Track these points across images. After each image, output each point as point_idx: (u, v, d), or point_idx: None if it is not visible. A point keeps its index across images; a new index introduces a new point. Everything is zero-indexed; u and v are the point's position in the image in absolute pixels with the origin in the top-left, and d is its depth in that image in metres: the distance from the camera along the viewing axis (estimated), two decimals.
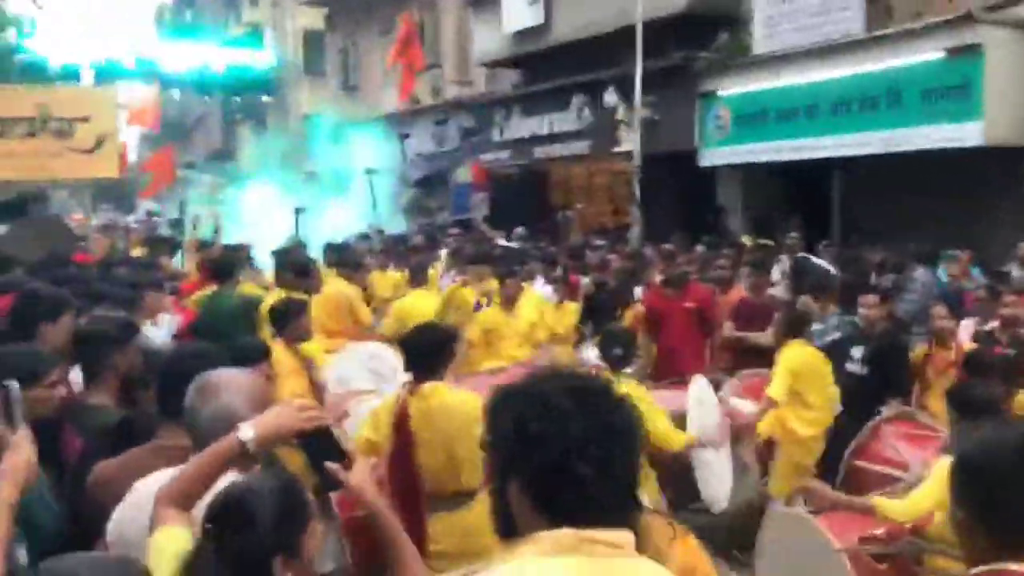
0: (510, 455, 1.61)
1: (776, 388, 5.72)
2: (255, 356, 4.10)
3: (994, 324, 6.32)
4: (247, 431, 2.19)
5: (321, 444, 2.25)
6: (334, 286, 8.24)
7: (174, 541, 2.03)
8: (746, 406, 5.93)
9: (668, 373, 7.54)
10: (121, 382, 3.56)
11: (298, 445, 2.30)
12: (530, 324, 7.53)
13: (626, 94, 14.91)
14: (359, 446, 4.15)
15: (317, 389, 5.51)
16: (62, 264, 7.78)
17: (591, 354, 8.09)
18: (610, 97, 15.54)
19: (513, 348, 7.32)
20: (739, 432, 5.78)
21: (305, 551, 1.98)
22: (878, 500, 3.87)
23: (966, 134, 10.41)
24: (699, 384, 5.54)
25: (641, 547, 1.61)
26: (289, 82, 30.63)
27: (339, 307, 7.78)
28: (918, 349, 6.30)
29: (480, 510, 4.12)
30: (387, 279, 10.72)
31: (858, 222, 12.69)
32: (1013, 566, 1.58)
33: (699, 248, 10.98)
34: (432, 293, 9.05)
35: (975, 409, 3.89)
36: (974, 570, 1.66)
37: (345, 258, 9.26)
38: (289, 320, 5.46)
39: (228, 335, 5.17)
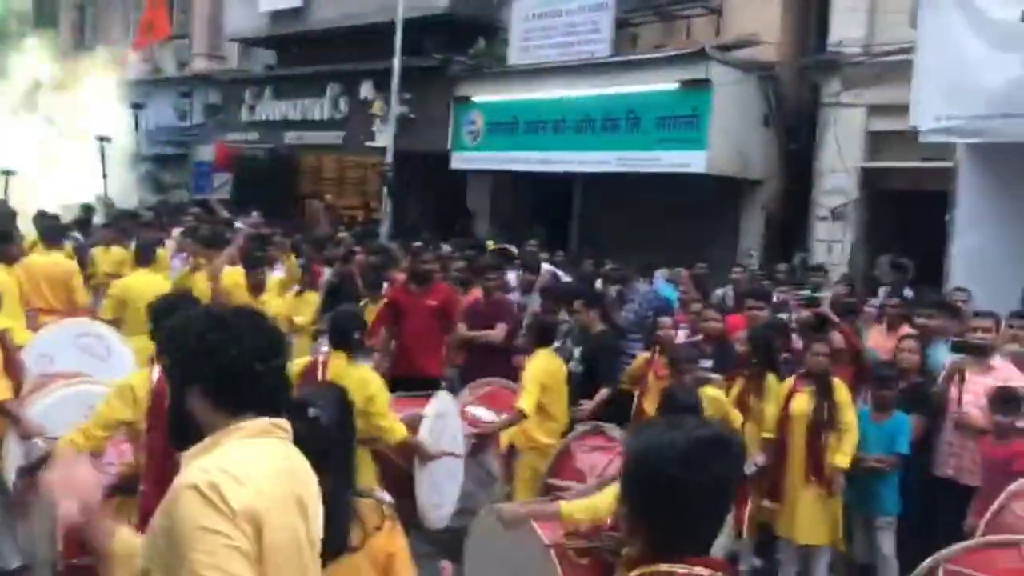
0: (192, 365, 2.02)
1: (527, 401, 5.73)
2: None
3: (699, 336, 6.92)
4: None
5: None
6: (54, 257, 7.56)
7: None
8: (486, 415, 6.01)
9: (407, 368, 7.54)
10: None
11: None
12: (276, 313, 7.26)
13: (383, 89, 14.85)
14: (100, 418, 3.89)
15: (12, 363, 4.97)
16: None
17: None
18: (366, 90, 15.40)
19: None
20: (483, 441, 5.90)
21: None
22: (563, 504, 4.02)
23: (692, 161, 11.32)
24: (443, 399, 5.52)
25: (352, 528, 2.44)
26: (14, 33, 27.67)
27: (56, 281, 7.13)
28: (640, 356, 6.71)
29: None
30: (111, 255, 9.94)
31: (594, 233, 13.42)
32: (666, 567, 1.61)
33: (445, 247, 11.11)
34: (160, 274, 8.49)
35: (677, 410, 4.18)
36: (632, 573, 1.66)
37: (50, 228, 8.44)
38: None
39: None
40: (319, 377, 4.68)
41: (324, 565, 2.14)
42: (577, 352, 6.85)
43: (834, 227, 11.36)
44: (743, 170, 11.81)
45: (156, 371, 3.86)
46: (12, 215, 10.19)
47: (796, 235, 11.85)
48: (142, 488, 3.80)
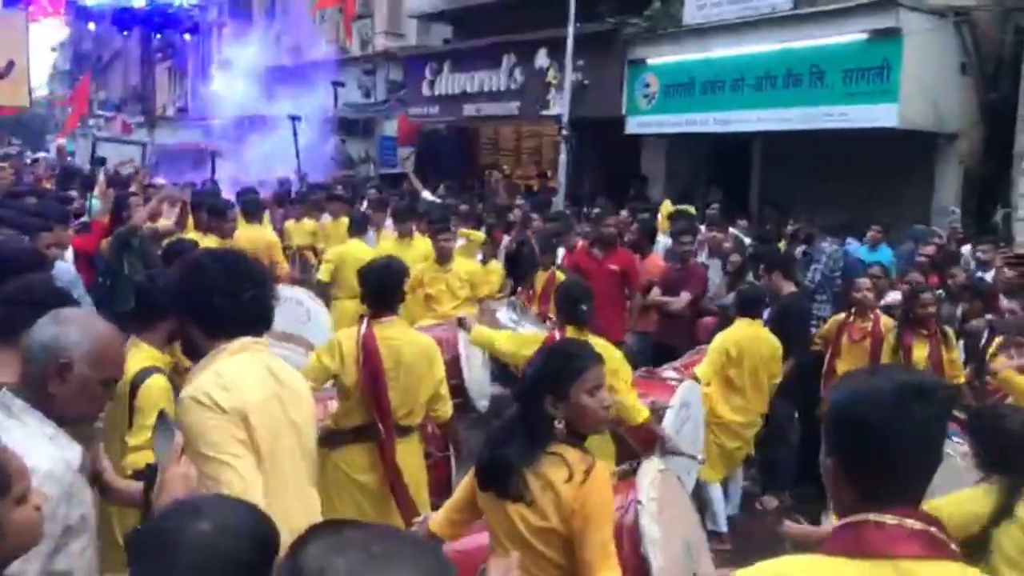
0: (181, 303, 2.57)
1: (704, 367, 5.58)
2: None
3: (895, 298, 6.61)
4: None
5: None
6: (256, 230, 8.19)
7: None
8: (673, 375, 5.74)
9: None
10: None
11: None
12: (468, 280, 7.50)
13: (557, 57, 14.92)
14: (310, 371, 4.13)
15: None
16: None
17: (504, 313, 8.17)
18: (541, 59, 15.52)
19: (448, 304, 7.30)
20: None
21: (7, 522, 1.71)
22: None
23: (882, 115, 10.75)
24: (688, 388, 5.20)
25: (560, 473, 2.52)
26: (213, 23, 29.69)
27: (259, 252, 7.68)
28: (834, 317, 6.53)
29: (413, 448, 4.33)
30: (303, 227, 10.60)
31: (774, 194, 13.02)
32: (874, 517, 1.59)
33: (623, 214, 11.10)
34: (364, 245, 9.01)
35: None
36: (838, 522, 1.65)
37: (251, 203, 9.11)
38: None
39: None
40: None
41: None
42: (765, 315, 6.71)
43: None
44: (938, 123, 11.11)
45: (364, 327, 4.22)
46: (218, 192, 11.06)
47: (996, 191, 11.05)
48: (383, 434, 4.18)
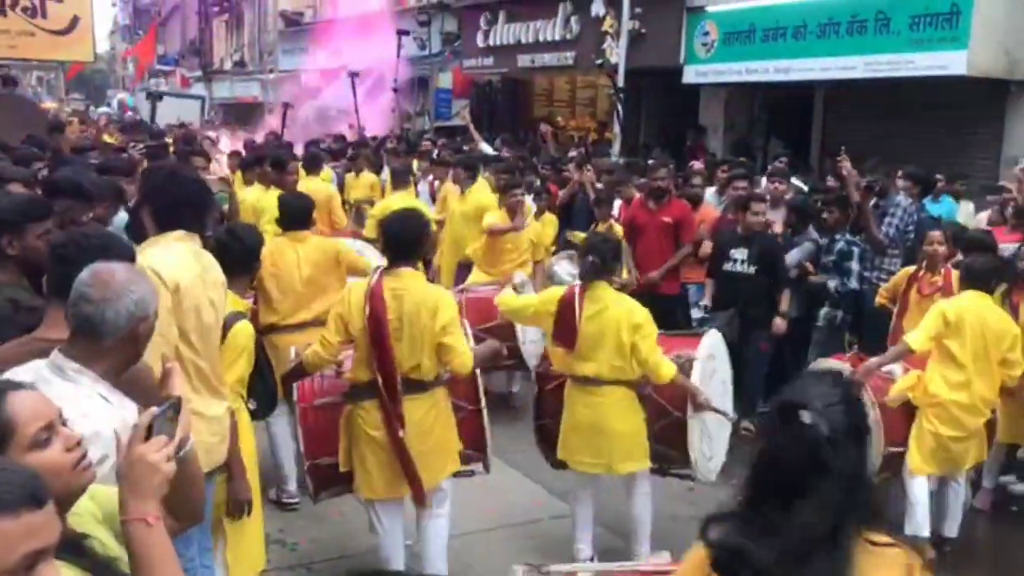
0: (145, 202, 3.40)
1: (918, 336, 4.92)
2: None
3: None
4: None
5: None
6: (316, 183, 8.31)
7: None
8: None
9: (641, 285, 7.66)
10: (24, 265, 3.30)
11: None
12: (535, 239, 7.46)
13: (614, 5, 14.69)
14: (330, 323, 4.23)
15: None
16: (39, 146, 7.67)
17: (563, 267, 8.18)
18: (597, 7, 15.29)
19: (511, 262, 7.28)
20: None
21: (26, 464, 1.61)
22: None
23: (951, 62, 10.41)
24: (713, 337, 5.05)
25: None
26: None
27: (320, 204, 7.80)
28: (902, 270, 6.41)
29: (430, 404, 4.18)
30: (361, 180, 10.69)
31: (837, 145, 12.71)
32: None
33: (696, 165, 10.92)
34: (411, 196, 9.07)
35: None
36: None
37: (311, 157, 9.26)
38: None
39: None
40: (577, 305, 4.50)
41: None
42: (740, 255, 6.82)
43: None
44: (1011, 70, 10.71)
45: (375, 277, 4.16)
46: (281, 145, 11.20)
47: None
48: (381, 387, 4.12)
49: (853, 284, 6.97)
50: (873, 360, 5.05)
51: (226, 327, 3.52)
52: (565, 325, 4.53)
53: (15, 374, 2.08)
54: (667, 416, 4.66)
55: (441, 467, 4.28)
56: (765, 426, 1.86)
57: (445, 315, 4.07)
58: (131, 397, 2.24)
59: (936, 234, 6.07)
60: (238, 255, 4.06)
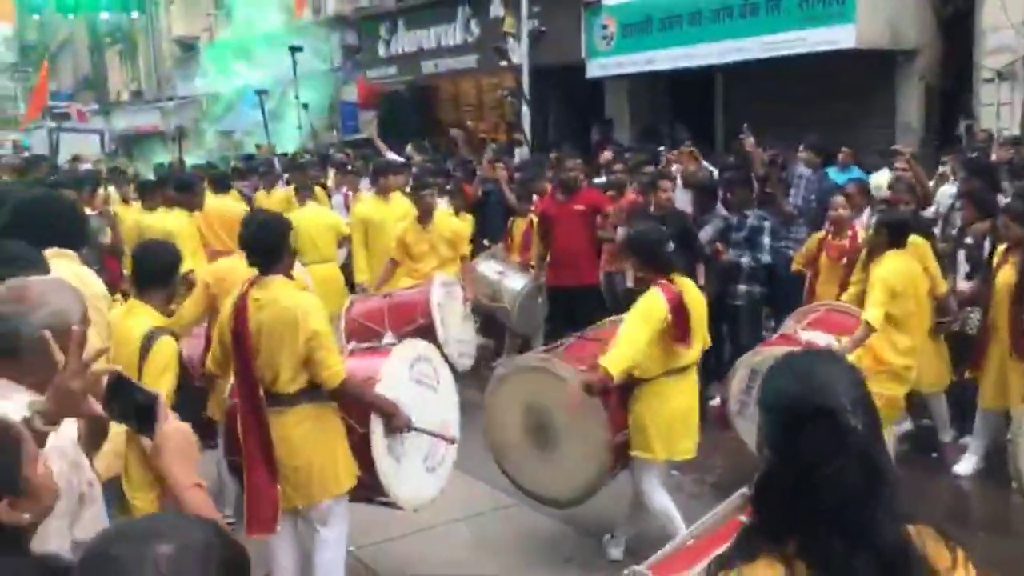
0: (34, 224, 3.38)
1: (873, 311, 5.05)
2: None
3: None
4: (28, 408, 1.89)
5: (121, 395, 1.96)
6: (225, 202, 8.21)
7: None
8: (824, 339, 5.19)
9: (562, 277, 7.71)
10: None
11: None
12: (451, 239, 7.40)
13: (512, 5, 14.78)
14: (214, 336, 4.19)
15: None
16: None
17: (488, 266, 8.20)
18: (496, 8, 15.37)
19: (431, 263, 7.23)
20: None
21: (31, 480, 1.69)
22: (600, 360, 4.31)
23: (840, 37, 10.74)
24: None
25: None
26: (159, 1, 29.16)
27: (229, 223, 7.67)
28: (813, 236, 6.60)
29: (296, 421, 3.93)
30: (274, 197, 10.54)
31: (740, 127, 13.00)
32: None
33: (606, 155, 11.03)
34: (324, 208, 9.02)
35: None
36: None
37: (218, 176, 9.18)
38: None
39: None
40: (685, 298, 4.41)
41: None
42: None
43: (1001, 89, 10.58)
44: (896, 41, 11.12)
45: (244, 288, 4.02)
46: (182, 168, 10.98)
47: (958, 103, 11.12)
48: None
49: (766, 258, 7.12)
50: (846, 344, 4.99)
51: (148, 343, 3.44)
52: (683, 324, 4.40)
53: None
54: None
55: (320, 487, 3.99)
56: (785, 433, 1.65)
57: (309, 327, 3.84)
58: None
59: (838, 199, 6.30)
60: (152, 269, 3.96)
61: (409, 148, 13.98)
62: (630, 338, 4.28)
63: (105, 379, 1.95)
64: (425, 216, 7.28)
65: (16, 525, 1.63)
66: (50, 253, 3.13)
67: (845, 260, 6.09)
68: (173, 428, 1.89)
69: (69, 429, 2.12)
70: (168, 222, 7.30)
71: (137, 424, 1.97)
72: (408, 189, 8.37)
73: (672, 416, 4.53)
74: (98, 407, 1.96)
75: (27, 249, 2.86)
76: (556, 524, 5.10)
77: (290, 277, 4.13)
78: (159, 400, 1.93)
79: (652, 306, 4.33)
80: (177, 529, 1.28)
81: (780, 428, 1.66)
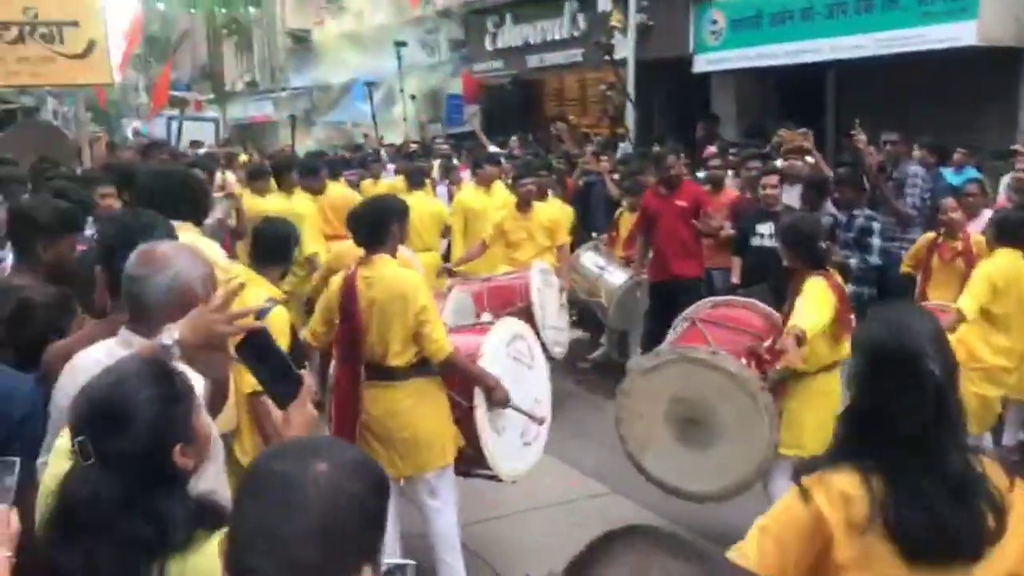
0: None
1: (969, 301, 4.93)
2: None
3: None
4: (168, 336, 2.03)
5: (259, 350, 2.01)
6: (337, 189, 8.52)
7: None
8: None
9: (661, 272, 7.70)
10: (52, 272, 3.39)
11: (236, 353, 2.05)
12: (549, 227, 7.50)
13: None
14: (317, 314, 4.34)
15: None
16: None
17: (588, 258, 8.23)
18: (604, 2, 15.33)
19: (529, 251, 7.37)
20: None
21: (198, 429, 1.87)
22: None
23: (961, 34, 10.36)
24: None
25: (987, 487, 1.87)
26: None
27: (340, 209, 7.95)
28: (924, 236, 6.43)
29: (405, 394, 4.13)
30: (380, 186, 10.80)
31: (851, 125, 12.67)
32: None
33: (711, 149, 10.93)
34: (430, 197, 9.24)
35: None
36: None
37: (330, 164, 9.51)
38: None
39: None
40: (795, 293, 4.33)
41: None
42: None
43: None
44: (1021, 37, 10.66)
45: (353, 266, 4.24)
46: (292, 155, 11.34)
47: None
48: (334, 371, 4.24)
49: (875, 259, 6.94)
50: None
51: (261, 315, 3.61)
52: (847, 314, 4.34)
53: (89, 353, 2.31)
54: None
55: (428, 456, 4.17)
56: (872, 370, 1.94)
57: (417, 302, 4.02)
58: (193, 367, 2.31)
59: (950, 201, 6.12)
60: (272, 246, 4.17)
61: (513, 141, 14.13)
62: (817, 310, 4.10)
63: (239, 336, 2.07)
64: (524, 204, 7.44)
65: (185, 469, 1.80)
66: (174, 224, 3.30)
67: (960, 262, 5.91)
68: (309, 411, 2.03)
69: (197, 386, 2.27)
70: (298, 206, 7.55)
71: (271, 386, 2.05)
72: (509, 180, 8.49)
73: (830, 413, 4.40)
74: (231, 352, 2.10)
75: (157, 218, 2.99)
76: (646, 513, 5.10)
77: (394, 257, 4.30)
78: (302, 382, 2.04)
79: (822, 294, 4.22)
80: (332, 449, 1.42)
81: (868, 366, 1.94)
